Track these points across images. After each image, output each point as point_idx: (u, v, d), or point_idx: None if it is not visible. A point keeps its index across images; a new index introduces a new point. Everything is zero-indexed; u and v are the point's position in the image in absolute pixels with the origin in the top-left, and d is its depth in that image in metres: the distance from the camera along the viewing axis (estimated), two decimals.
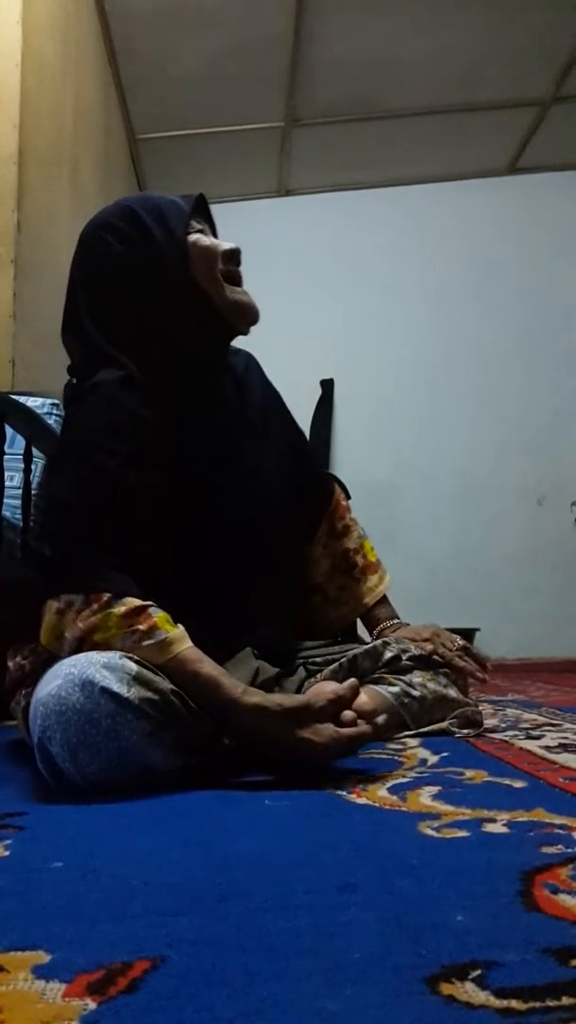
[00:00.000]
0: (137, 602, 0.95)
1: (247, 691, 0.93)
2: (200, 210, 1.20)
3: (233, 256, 1.16)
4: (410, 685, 1.22)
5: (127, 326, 1.15)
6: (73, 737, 0.86)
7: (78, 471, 1.05)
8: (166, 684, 0.91)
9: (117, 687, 0.88)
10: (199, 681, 0.92)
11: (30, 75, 2.38)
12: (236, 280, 1.17)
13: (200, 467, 1.13)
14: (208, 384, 1.21)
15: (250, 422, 1.26)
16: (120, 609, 0.94)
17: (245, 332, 1.20)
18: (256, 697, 0.92)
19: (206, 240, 1.16)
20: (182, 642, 0.95)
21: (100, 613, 0.94)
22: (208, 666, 0.94)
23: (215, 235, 1.22)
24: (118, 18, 3.44)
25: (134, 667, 0.90)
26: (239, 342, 1.27)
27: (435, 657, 1.27)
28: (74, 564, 0.99)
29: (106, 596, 0.95)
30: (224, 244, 1.16)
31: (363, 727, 0.92)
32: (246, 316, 1.18)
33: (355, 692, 0.94)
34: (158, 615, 0.95)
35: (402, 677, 1.22)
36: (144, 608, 0.95)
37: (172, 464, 1.09)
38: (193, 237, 1.15)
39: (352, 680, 0.96)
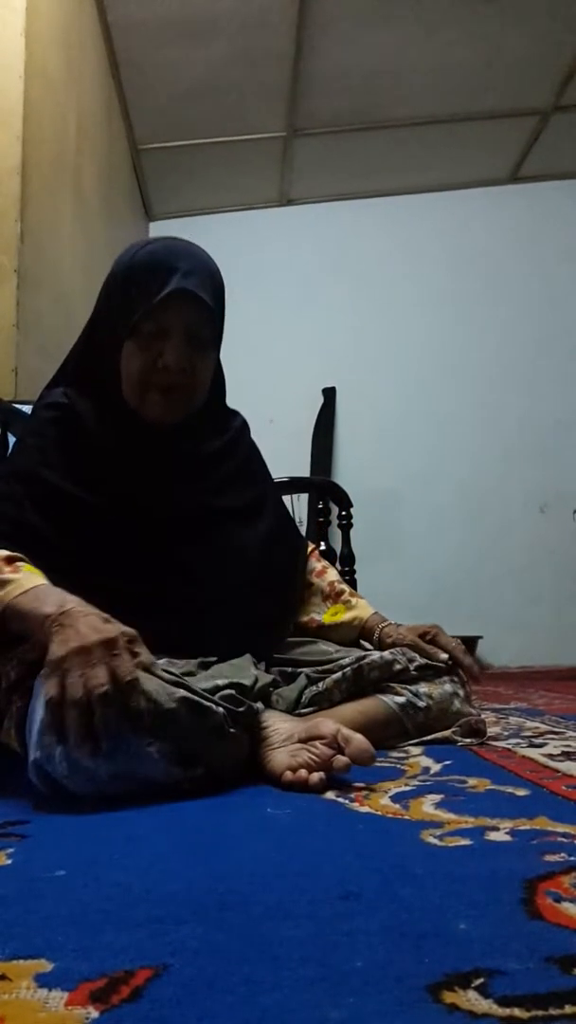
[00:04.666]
0: (5, 552, 1.01)
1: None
2: (179, 300, 1.11)
3: (167, 370, 1.13)
4: (416, 695, 1.21)
5: (90, 366, 1.21)
6: (73, 751, 0.86)
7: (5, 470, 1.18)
8: (164, 695, 0.90)
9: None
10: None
11: (33, 87, 2.40)
12: (164, 386, 1.15)
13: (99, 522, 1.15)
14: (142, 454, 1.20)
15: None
16: None
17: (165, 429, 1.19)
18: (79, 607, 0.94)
19: (139, 355, 1.14)
20: (28, 582, 0.97)
21: None
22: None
23: (193, 326, 1.14)
24: (121, 30, 3.46)
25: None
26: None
27: (429, 640, 1.28)
28: None
29: None
30: (165, 357, 1.12)
31: None
32: (151, 417, 1.17)
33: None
34: (25, 566, 1.00)
35: (408, 687, 1.22)
36: (12, 559, 1.01)
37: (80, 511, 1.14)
38: (128, 344, 1.13)
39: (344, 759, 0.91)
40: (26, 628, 0.95)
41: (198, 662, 1.06)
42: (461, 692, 1.27)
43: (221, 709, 0.91)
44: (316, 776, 0.88)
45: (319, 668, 1.23)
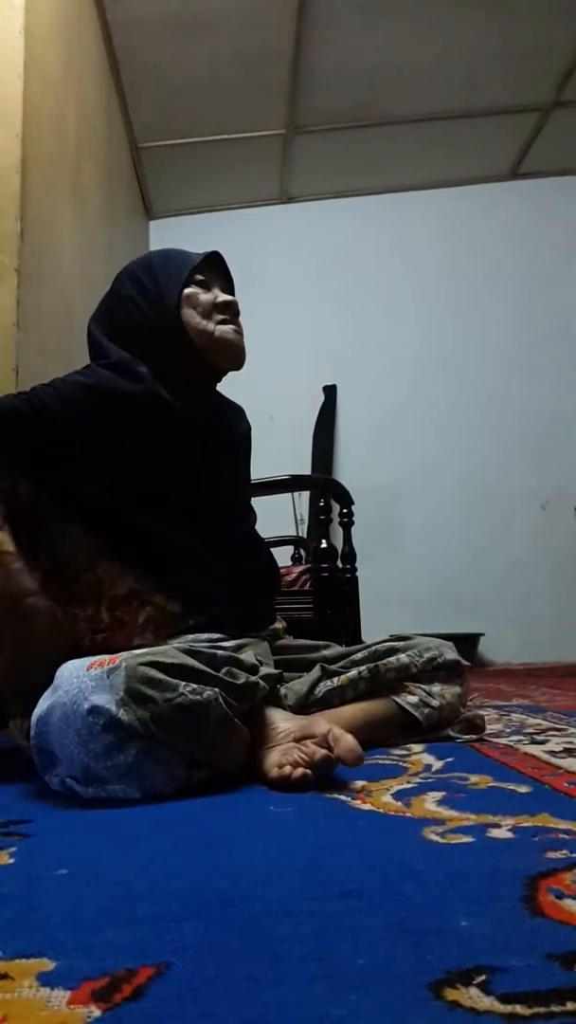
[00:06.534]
0: None
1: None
2: (210, 265, 1.29)
3: (228, 307, 1.26)
4: (429, 695, 1.21)
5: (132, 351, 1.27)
6: (78, 758, 0.87)
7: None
8: (160, 698, 0.89)
9: (109, 707, 0.87)
10: None
11: (32, 84, 2.39)
12: (229, 323, 1.26)
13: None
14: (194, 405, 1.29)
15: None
16: None
17: (232, 368, 1.28)
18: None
19: (202, 295, 1.26)
20: None
21: None
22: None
23: (228, 288, 1.31)
24: (120, 27, 3.46)
25: (122, 685, 0.89)
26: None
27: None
28: None
29: None
30: (221, 296, 1.27)
31: None
32: (226, 352, 1.26)
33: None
34: None
35: (421, 685, 1.21)
36: None
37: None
38: (189, 290, 1.25)
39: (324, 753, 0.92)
40: None
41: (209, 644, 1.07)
42: (463, 695, 1.28)
43: (218, 693, 0.91)
44: (299, 771, 0.88)
45: (332, 659, 1.23)
